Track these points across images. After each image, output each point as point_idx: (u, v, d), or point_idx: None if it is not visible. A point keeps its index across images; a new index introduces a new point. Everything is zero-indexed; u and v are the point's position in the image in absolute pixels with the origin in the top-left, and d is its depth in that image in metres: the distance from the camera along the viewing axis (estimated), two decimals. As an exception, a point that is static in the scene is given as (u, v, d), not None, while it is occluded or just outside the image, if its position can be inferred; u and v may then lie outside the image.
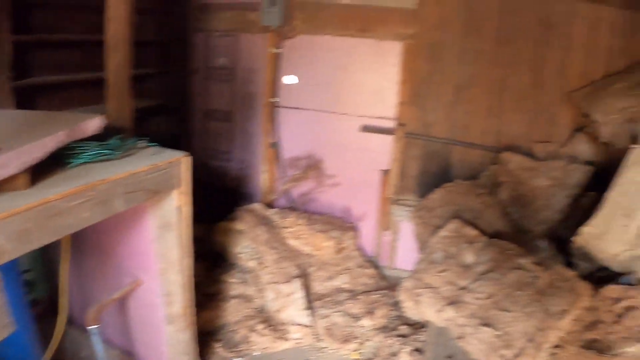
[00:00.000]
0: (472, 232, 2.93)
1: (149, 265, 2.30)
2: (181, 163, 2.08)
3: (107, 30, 2.24)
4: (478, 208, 3.24)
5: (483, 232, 2.96)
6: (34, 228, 1.46)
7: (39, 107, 3.39)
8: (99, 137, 1.88)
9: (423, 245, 3.18)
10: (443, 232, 2.98)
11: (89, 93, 3.77)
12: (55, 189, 1.54)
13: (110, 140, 1.91)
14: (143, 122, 3.55)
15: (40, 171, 1.61)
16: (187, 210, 2.17)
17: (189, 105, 4.19)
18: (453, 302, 2.58)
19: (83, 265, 2.51)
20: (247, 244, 3.52)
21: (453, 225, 3.00)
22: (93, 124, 1.81)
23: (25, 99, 3.21)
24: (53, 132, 1.64)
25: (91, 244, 2.44)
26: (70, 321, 2.51)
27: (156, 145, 2.11)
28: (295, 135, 3.89)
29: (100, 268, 2.47)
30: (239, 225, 3.58)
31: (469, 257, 2.80)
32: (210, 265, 3.45)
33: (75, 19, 3.75)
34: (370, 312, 3.19)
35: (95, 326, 2.11)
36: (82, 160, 1.77)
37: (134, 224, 2.25)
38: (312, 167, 3.87)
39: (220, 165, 4.14)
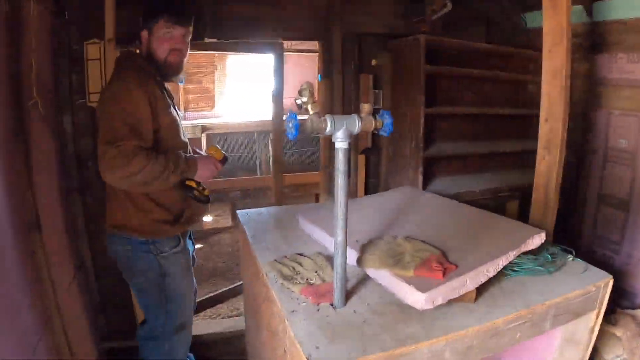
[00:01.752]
0: None
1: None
2: (607, 286, 1.88)
3: (540, 128, 2.20)
4: None
5: None
6: (476, 345, 1.48)
7: (438, 174, 3.64)
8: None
9: None
10: None
11: (478, 162, 3.90)
12: (498, 308, 1.54)
13: (542, 253, 1.84)
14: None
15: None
16: (597, 330, 1.97)
17: (581, 187, 3.91)
18: None
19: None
20: (620, 353, 3.11)
21: None
22: (536, 240, 1.79)
23: (428, 166, 3.48)
24: (503, 248, 1.66)
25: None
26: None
27: (578, 259, 1.96)
28: None
29: None
30: (616, 330, 3.17)
31: None
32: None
33: (471, 89, 3.92)
34: None
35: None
36: (517, 274, 1.74)
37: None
38: None
39: (604, 255, 3.74)
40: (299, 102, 1.27)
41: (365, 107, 1.40)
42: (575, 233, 3.90)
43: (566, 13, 2.22)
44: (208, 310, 4.07)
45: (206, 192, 2.37)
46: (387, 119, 1.39)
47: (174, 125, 2.34)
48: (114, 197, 2.30)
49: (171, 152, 2.20)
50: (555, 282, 1.77)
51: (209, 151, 2.43)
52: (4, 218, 1.86)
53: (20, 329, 1.87)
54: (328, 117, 1.27)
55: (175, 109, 2.42)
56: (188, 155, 2.31)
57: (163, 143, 2.25)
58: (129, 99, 2.08)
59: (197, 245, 5.64)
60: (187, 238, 2.61)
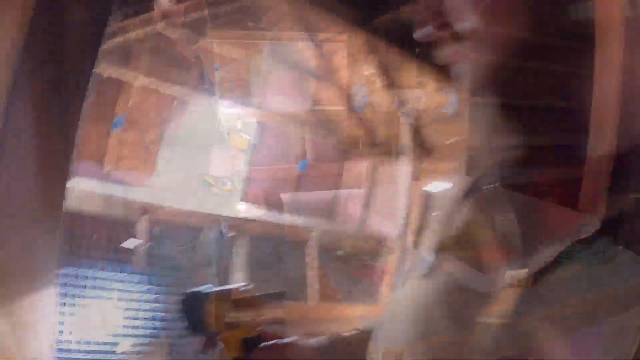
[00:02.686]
0: None
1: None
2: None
3: (592, 115, 2.10)
4: None
5: None
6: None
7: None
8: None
9: None
10: None
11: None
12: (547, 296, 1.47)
13: (596, 244, 1.75)
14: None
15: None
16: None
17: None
18: None
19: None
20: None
21: None
22: (588, 229, 1.70)
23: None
24: (556, 235, 1.59)
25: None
26: None
27: (629, 251, 1.87)
28: None
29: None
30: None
31: None
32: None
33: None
34: None
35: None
36: (570, 263, 1.66)
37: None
38: None
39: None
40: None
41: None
42: (632, 230, 3.74)
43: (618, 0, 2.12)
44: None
45: None
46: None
47: None
48: None
49: None
50: (605, 272, 1.69)
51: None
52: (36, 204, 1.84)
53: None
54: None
55: None
56: None
57: None
58: None
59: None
60: None
